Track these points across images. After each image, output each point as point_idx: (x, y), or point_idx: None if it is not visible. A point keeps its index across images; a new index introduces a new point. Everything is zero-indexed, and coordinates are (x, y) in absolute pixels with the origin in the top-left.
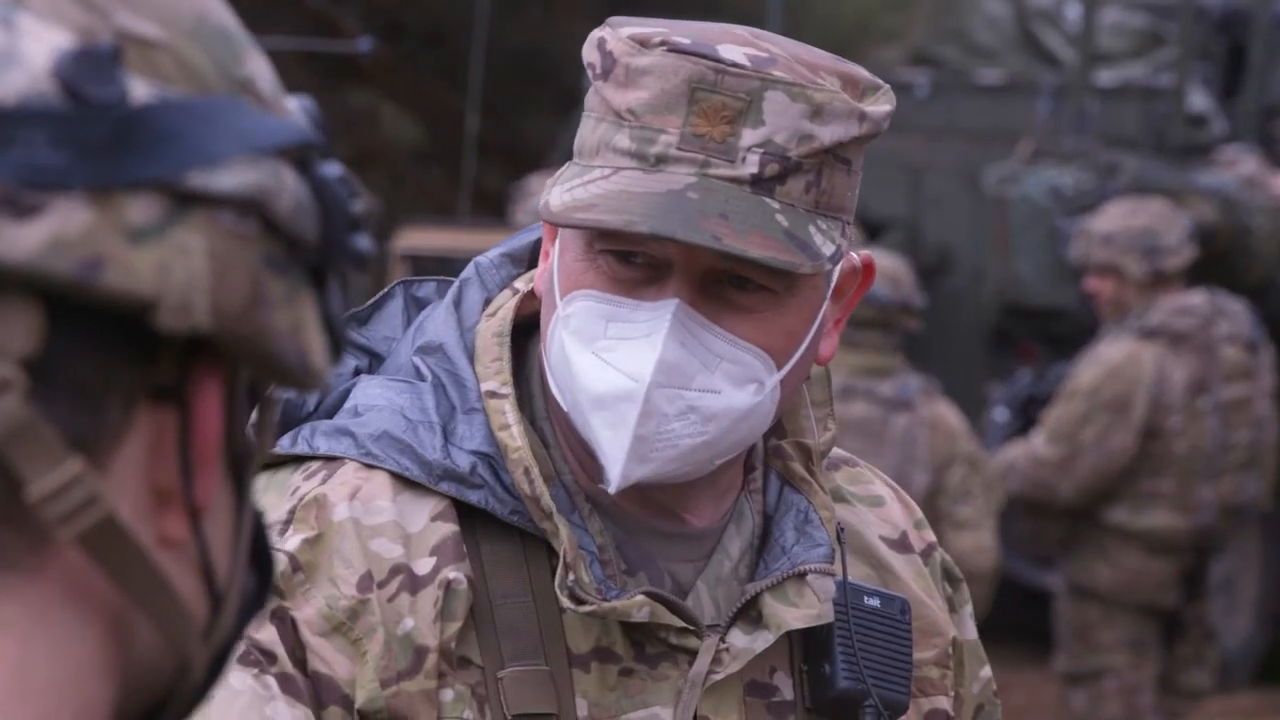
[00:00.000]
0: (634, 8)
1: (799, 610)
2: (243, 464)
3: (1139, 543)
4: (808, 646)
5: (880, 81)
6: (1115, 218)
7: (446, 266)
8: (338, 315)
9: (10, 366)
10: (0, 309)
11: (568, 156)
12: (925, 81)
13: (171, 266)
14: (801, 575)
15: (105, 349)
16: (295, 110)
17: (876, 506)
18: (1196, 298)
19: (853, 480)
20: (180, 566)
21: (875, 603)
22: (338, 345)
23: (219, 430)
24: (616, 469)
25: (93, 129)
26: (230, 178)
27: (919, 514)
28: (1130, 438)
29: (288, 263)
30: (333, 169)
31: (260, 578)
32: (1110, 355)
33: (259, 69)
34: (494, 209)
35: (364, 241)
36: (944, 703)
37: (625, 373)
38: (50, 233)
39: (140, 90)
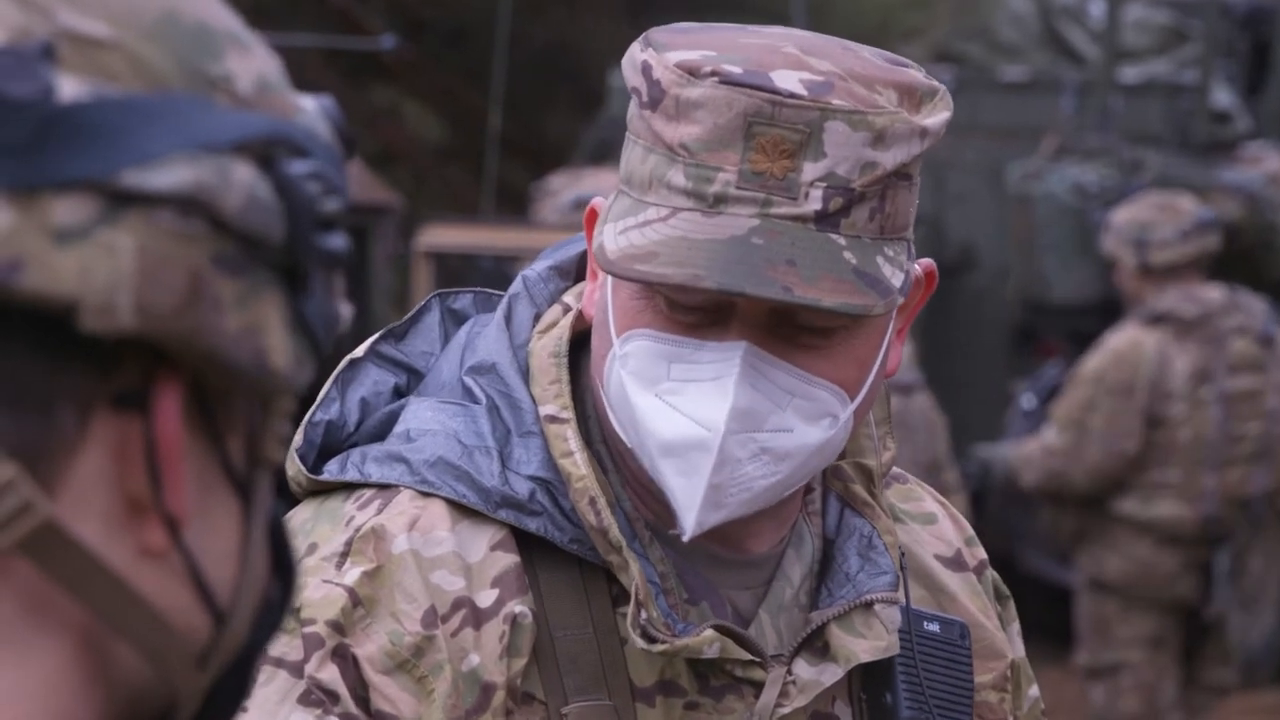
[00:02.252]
0: (658, 7)
1: (867, 642)
2: (250, 472)
3: (1149, 534)
4: (867, 675)
5: (936, 84)
6: (1126, 209)
7: (469, 264)
8: (317, 317)
9: None
10: None
11: (590, 155)
12: (949, 79)
13: (94, 267)
14: (868, 605)
15: (50, 355)
16: (302, 109)
17: (929, 524)
18: (1213, 290)
19: (905, 498)
20: (166, 579)
21: (935, 628)
22: (316, 347)
23: (178, 436)
24: (691, 516)
25: (12, 127)
26: (166, 176)
27: (969, 530)
28: (1135, 422)
29: (244, 262)
30: (302, 166)
31: (284, 588)
32: (1114, 342)
33: (243, 67)
34: (517, 207)
35: (335, 240)
36: None
37: (697, 420)
38: None
39: (71, 88)
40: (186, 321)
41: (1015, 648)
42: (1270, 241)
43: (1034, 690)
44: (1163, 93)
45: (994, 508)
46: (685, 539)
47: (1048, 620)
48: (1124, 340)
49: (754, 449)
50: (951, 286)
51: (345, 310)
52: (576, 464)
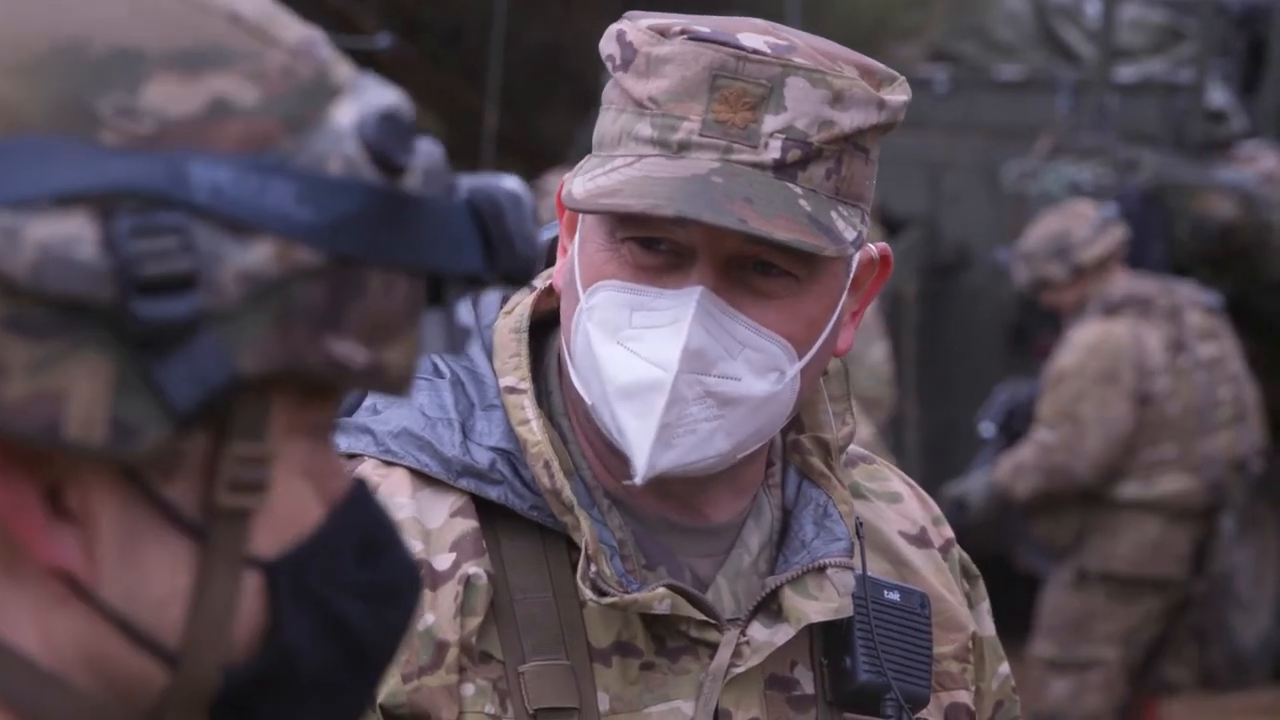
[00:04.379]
0: (651, 5)
1: (819, 604)
2: (207, 516)
3: (1158, 513)
4: (828, 640)
5: (896, 73)
6: (1030, 236)
7: None
8: (178, 379)
9: None
10: None
11: (586, 154)
12: (944, 78)
13: None
14: (821, 569)
15: None
16: (325, 129)
17: (895, 503)
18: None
19: (870, 477)
20: (79, 619)
21: (895, 597)
22: (171, 410)
23: (5, 488)
24: (643, 458)
25: None
26: None
27: (936, 510)
28: (1127, 404)
29: (49, 325)
30: (139, 220)
31: (318, 627)
32: (1085, 336)
33: (172, 95)
34: None
35: (160, 308)
36: (964, 697)
37: (653, 362)
38: None
39: None
40: None
41: (984, 625)
42: (1266, 241)
43: (1004, 668)
44: (1158, 92)
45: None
46: (638, 481)
47: (998, 605)
48: (1094, 333)
49: (699, 390)
50: (947, 286)
51: (350, 352)
52: (532, 430)
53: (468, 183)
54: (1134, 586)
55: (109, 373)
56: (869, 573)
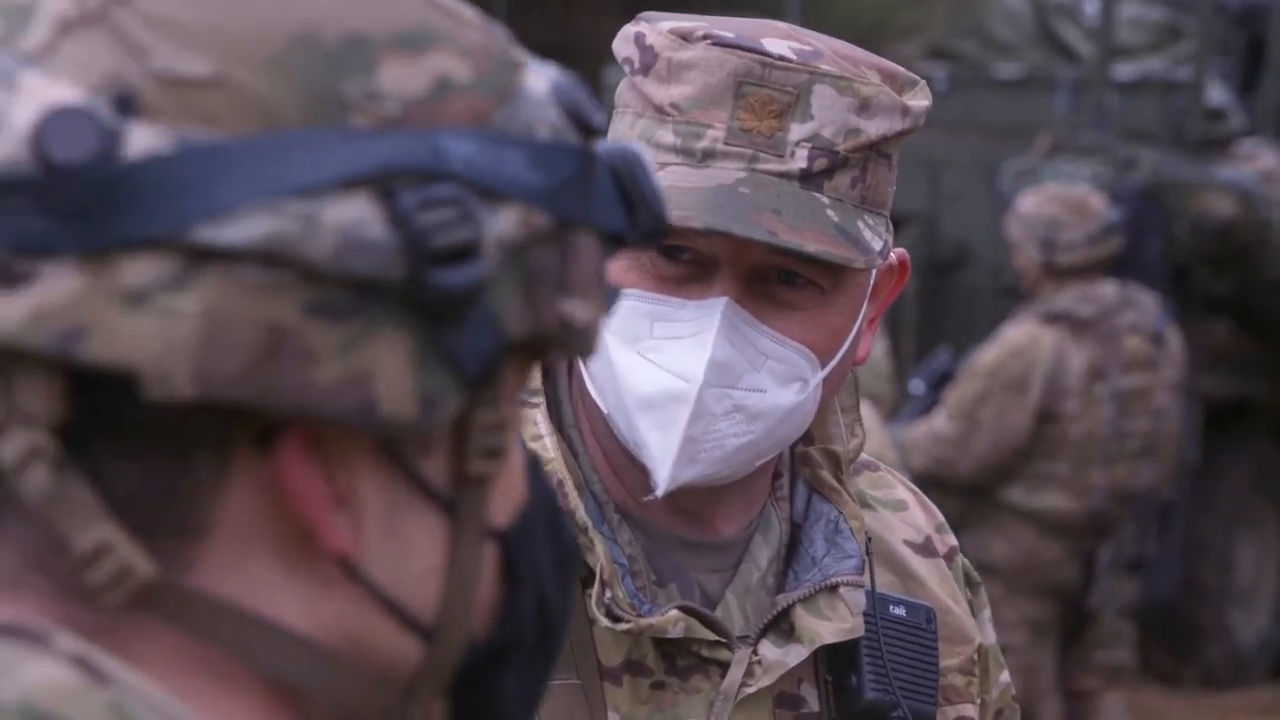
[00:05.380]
0: (655, 3)
1: (832, 624)
2: (456, 488)
3: (1034, 523)
4: (833, 657)
5: (917, 77)
6: (1035, 199)
7: None
8: (468, 348)
9: (40, 434)
10: (22, 379)
11: None
12: (943, 76)
13: (152, 334)
14: (833, 588)
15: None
16: (519, 94)
17: (900, 511)
18: (1106, 287)
19: (875, 485)
20: (354, 607)
21: (901, 612)
22: (466, 382)
23: (305, 484)
24: (665, 470)
25: (69, 192)
26: (239, 229)
27: (940, 518)
28: (1026, 418)
29: (350, 306)
30: (424, 194)
31: (517, 594)
32: (1012, 337)
33: (403, 77)
34: None
35: (453, 276)
36: (970, 710)
37: (675, 373)
38: (33, 304)
39: (146, 141)
40: (259, 381)
41: (985, 634)
42: (1265, 239)
43: (1004, 676)
44: (1157, 90)
45: None
46: (659, 493)
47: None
48: (1022, 335)
49: (728, 405)
50: (946, 284)
51: (576, 311)
52: (546, 447)
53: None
54: (1017, 587)
55: (408, 348)
56: (876, 588)
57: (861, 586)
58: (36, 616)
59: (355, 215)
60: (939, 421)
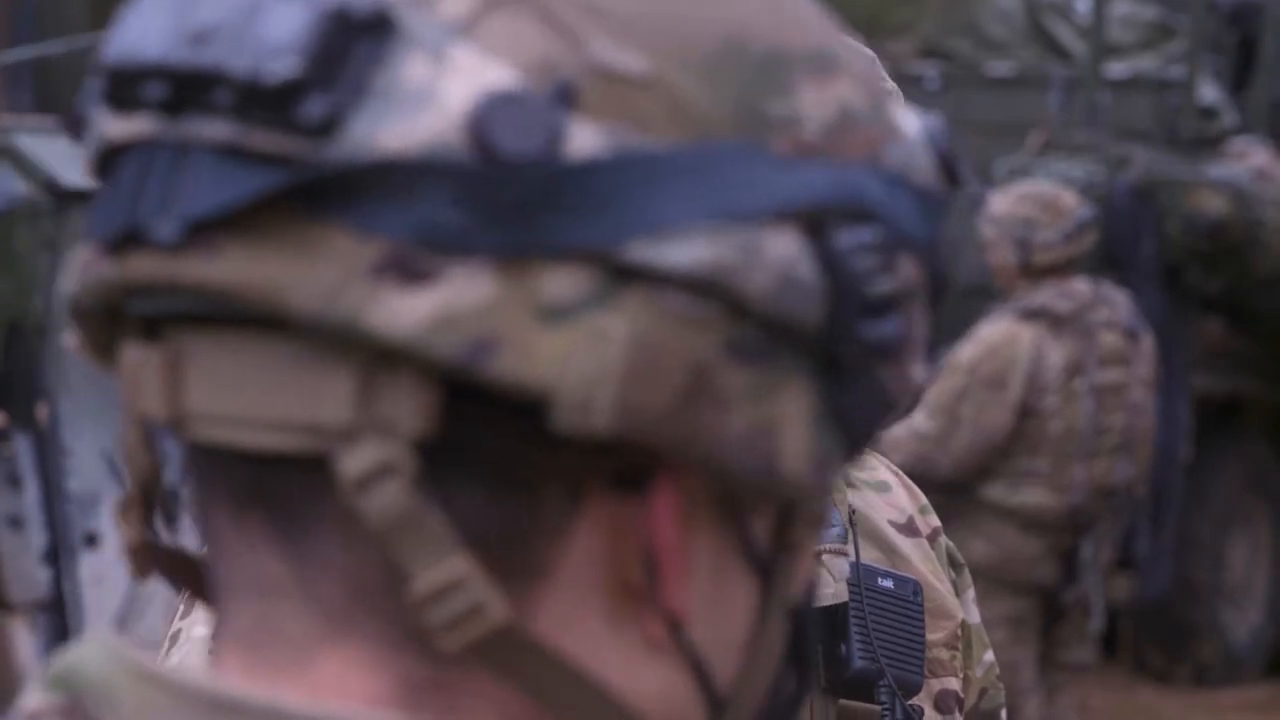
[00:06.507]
0: None
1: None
2: (774, 554)
3: (1014, 520)
4: (822, 627)
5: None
6: (1006, 201)
7: None
8: (855, 410)
9: (398, 448)
10: (388, 383)
11: None
12: (936, 74)
13: (576, 355)
14: (816, 555)
15: (536, 428)
16: (898, 136)
17: (883, 492)
18: (1082, 284)
19: (858, 466)
20: (667, 671)
21: (888, 584)
22: (854, 444)
23: (676, 537)
24: None
25: (505, 188)
26: (680, 251)
27: (923, 499)
28: (1006, 415)
29: (764, 350)
30: (855, 236)
31: (799, 679)
32: (990, 334)
33: (817, 100)
34: None
35: (882, 328)
36: (954, 684)
37: None
38: (440, 305)
39: (587, 141)
40: (678, 424)
41: (970, 613)
42: (1257, 237)
43: (989, 655)
44: (1150, 88)
45: None
46: None
47: None
48: (1000, 333)
49: None
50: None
51: (918, 371)
52: None
53: None
54: (996, 584)
55: (809, 401)
56: (862, 560)
57: (844, 554)
58: (368, 707)
59: (791, 251)
60: (919, 420)
